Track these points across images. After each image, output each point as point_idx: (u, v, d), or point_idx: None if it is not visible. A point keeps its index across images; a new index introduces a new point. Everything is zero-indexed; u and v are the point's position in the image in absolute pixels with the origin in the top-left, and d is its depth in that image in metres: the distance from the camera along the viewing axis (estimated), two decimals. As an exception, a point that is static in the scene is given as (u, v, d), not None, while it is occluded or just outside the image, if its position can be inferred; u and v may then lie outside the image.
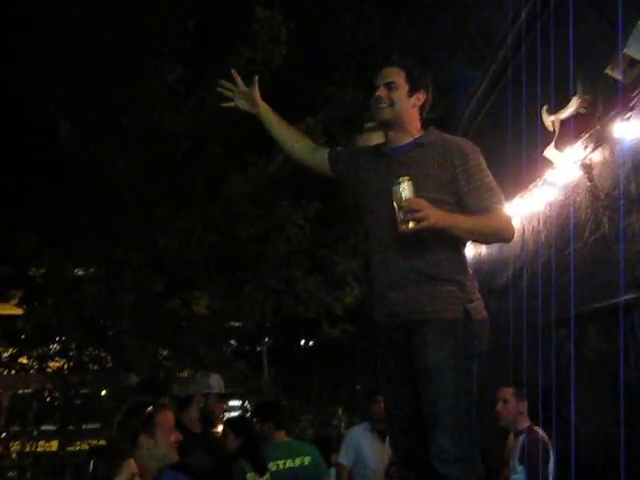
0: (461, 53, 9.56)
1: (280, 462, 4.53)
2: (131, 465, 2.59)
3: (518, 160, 5.18)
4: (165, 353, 9.00)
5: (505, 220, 2.84)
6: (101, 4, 6.84)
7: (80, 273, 8.59)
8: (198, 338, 8.66)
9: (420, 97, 2.97)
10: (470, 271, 2.93)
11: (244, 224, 8.17)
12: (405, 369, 2.86)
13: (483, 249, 6.62)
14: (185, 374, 8.81)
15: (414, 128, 2.96)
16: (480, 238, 2.98)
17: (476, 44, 9.21)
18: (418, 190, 2.71)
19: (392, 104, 2.91)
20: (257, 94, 3.17)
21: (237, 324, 9.74)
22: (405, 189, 2.63)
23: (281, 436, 4.78)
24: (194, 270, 8.18)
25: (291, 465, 4.57)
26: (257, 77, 3.20)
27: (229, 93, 3.23)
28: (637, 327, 3.96)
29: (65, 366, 9.44)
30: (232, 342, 9.52)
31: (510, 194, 5.38)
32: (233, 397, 4.72)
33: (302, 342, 12.89)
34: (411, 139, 2.94)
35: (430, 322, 2.77)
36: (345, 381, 9.97)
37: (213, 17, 7.36)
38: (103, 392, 8.81)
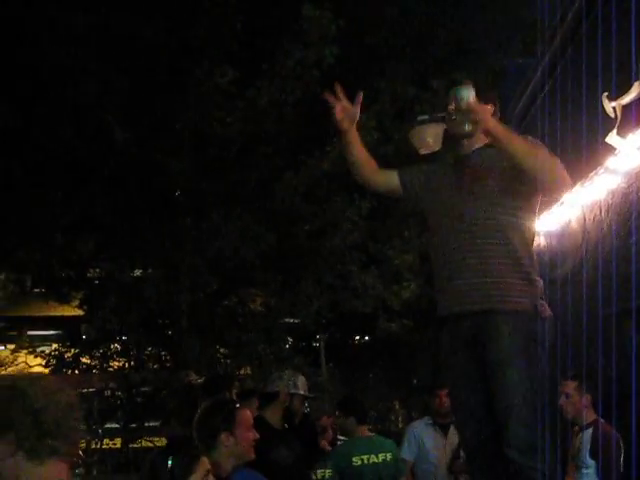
0: (513, 41, 9.44)
1: (364, 457, 4.50)
2: (205, 463, 2.63)
3: (577, 148, 5.06)
4: (223, 351, 9.12)
5: (559, 164, 2.83)
6: (149, 8, 6.95)
7: (138, 274, 8.79)
8: (255, 335, 8.78)
9: (488, 109, 3.00)
10: (536, 267, 2.94)
11: (298, 222, 8.25)
12: (475, 360, 2.89)
13: (542, 240, 6.50)
14: (245, 371, 8.95)
15: (483, 138, 3.02)
16: (532, 165, 2.81)
17: (528, 31, 9.07)
18: (485, 183, 2.85)
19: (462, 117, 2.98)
20: (357, 112, 3.18)
21: (294, 320, 9.83)
22: (467, 92, 2.75)
23: (363, 431, 4.73)
24: (250, 269, 8.28)
25: (374, 460, 4.54)
26: (361, 95, 3.18)
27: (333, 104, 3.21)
28: None
29: (126, 365, 9.71)
30: (289, 339, 9.59)
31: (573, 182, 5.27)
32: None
33: (357, 337, 12.93)
34: (481, 144, 3.02)
35: (503, 313, 2.82)
36: (402, 376, 9.94)
37: (261, 17, 7.40)
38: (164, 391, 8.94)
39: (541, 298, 2.87)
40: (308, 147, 7.93)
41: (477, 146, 3.01)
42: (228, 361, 8.97)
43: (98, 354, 9.67)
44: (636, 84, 4.17)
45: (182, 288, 7.60)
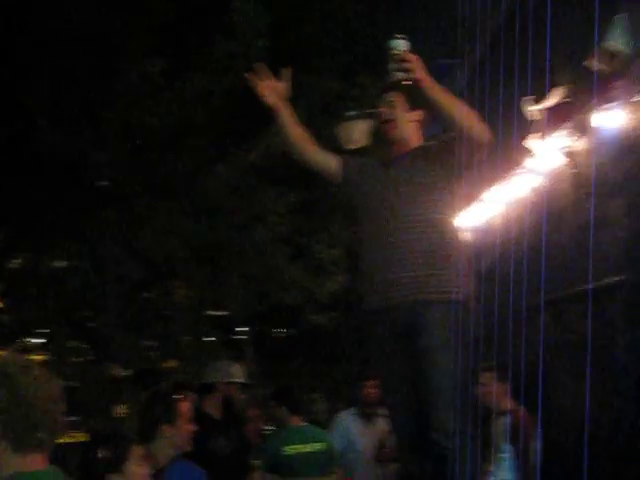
0: (443, 41, 9.62)
1: (297, 446, 4.53)
2: (138, 449, 2.65)
3: (498, 148, 5.28)
4: (148, 343, 9.03)
5: (479, 119, 2.99)
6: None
7: (59, 265, 8.57)
8: (179, 327, 8.72)
9: (419, 114, 3.23)
10: (464, 260, 3.07)
11: (225, 214, 8.23)
12: (405, 351, 3.04)
13: (466, 235, 6.73)
14: (171, 364, 8.90)
15: (414, 141, 3.17)
16: (453, 114, 2.96)
17: (455, 33, 9.27)
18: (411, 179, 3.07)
19: (395, 121, 3.19)
20: (286, 89, 3.21)
21: (220, 313, 9.82)
22: (401, 44, 2.84)
23: (296, 421, 4.75)
24: (175, 261, 8.22)
25: (307, 450, 4.57)
26: (291, 69, 3.22)
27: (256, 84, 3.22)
28: (620, 309, 4.12)
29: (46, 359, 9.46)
30: (214, 331, 9.57)
31: (492, 181, 5.50)
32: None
33: (279, 330, 13.01)
34: (412, 147, 3.22)
35: (432, 304, 2.98)
36: (326, 368, 10.08)
37: (192, 9, 7.33)
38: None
39: (468, 287, 3.06)
40: (236, 140, 7.92)
41: (408, 149, 3.20)
42: (153, 354, 8.91)
43: (16, 347, 9.39)
44: (555, 91, 4.39)
45: (108, 280, 7.47)
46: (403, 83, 2.90)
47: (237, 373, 4.19)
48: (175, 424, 3.02)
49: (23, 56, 6.47)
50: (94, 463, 2.63)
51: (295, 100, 7.79)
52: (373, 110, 7.15)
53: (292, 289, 8.68)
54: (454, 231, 3.13)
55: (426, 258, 3.01)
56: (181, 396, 3.24)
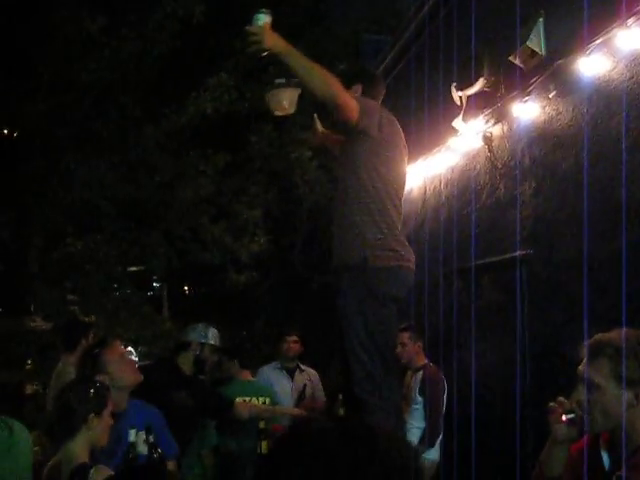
0: (366, 14, 9.92)
1: (247, 399, 4.84)
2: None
3: (422, 126, 5.69)
4: (70, 297, 9.02)
5: (337, 82, 3.13)
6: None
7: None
8: (100, 281, 8.76)
9: (356, 89, 3.46)
10: (381, 225, 3.25)
11: (152, 172, 8.32)
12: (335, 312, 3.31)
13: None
14: (91, 318, 8.92)
15: None
16: (310, 79, 3.09)
17: (383, 8, 9.63)
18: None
19: None
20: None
21: (139, 268, 9.89)
22: (261, 17, 2.98)
23: (246, 375, 5.17)
24: (101, 216, 8.27)
25: (255, 403, 4.89)
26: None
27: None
28: (524, 279, 4.62)
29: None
30: (134, 287, 9.64)
31: (413, 157, 5.90)
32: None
33: (193, 288, 13.13)
34: None
35: (346, 267, 3.24)
36: (236, 327, 10.32)
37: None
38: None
39: (374, 249, 3.19)
40: (167, 100, 8.01)
41: None
42: (73, 308, 8.93)
43: None
44: (480, 80, 4.82)
45: (33, 232, 7.48)
46: (259, 56, 3.02)
47: (212, 336, 4.41)
48: (107, 371, 3.06)
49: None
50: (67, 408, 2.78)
51: (222, 63, 7.95)
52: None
53: (214, 249, 8.89)
54: (367, 195, 3.25)
55: (346, 225, 3.26)
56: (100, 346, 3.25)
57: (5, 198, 7.58)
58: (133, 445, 3.01)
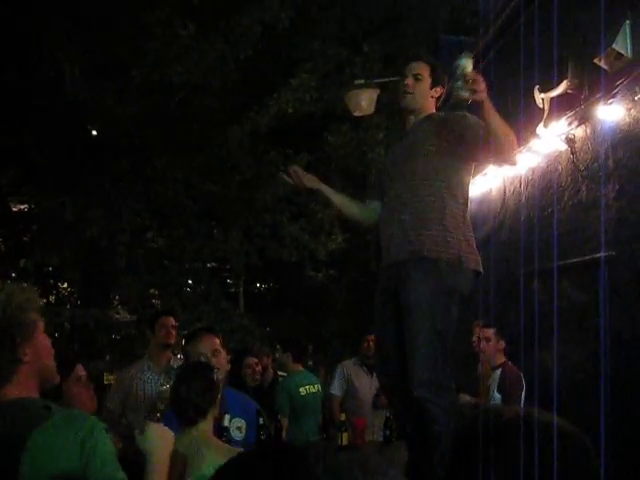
0: (445, 16, 9.90)
1: (307, 387, 5.29)
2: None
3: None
4: (152, 291, 9.38)
5: (514, 141, 3.08)
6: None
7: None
8: (181, 276, 9.10)
9: (438, 90, 3.39)
10: (467, 225, 3.19)
11: (234, 172, 8.58)
12: (395, 308, 3.14)
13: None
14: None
15: (426, 110, 3.37)
16: (499, 136, 3.05)
17: (460, 9, 9.61)
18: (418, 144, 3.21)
19: (416, 93, 3.34)
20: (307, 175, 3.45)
21: (218, 265, 10.19)
22: (468, 63, 2.92)
23: (299, 367, 5.49)
24: (185, 214, 8.58)
25: (312, 391, 5.33)
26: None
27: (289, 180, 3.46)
28: (606, 280, 4.60)
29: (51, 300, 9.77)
30: (213, 282, 9.94)
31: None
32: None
33: (269, 285, 13.34)
34: (423, 116, 3.37)
35: (417, 262, 3.09)
36: (317, 323, 10.45)
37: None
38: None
39: (460, 248, 3.10)
40: (249, 101, 8.23)
41: (419, 118, 3.33)
42: (155, 302, 9.29)
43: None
44: (564, 82, 4.83)
45: (122, 228, 7.82)
46: (466, 102, 2.94)
47: None
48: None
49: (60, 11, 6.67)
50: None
51: (301, 65, 8.09)
52: (383, 79, 7.43)
53: (291, 246, 9.09)
54: (458, 194, 3.19)
55: (418, 218, 3.12)
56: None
57: (95, 197, 7.94)
58: (226, 429, 3.11)
